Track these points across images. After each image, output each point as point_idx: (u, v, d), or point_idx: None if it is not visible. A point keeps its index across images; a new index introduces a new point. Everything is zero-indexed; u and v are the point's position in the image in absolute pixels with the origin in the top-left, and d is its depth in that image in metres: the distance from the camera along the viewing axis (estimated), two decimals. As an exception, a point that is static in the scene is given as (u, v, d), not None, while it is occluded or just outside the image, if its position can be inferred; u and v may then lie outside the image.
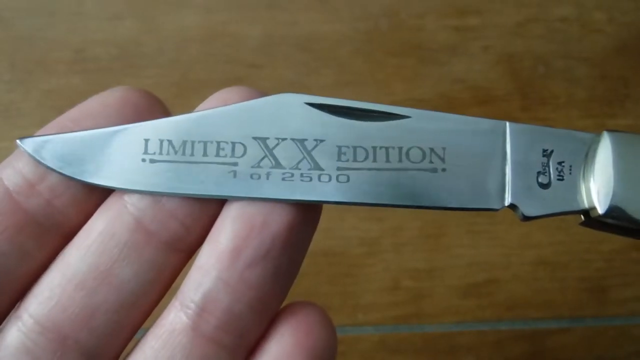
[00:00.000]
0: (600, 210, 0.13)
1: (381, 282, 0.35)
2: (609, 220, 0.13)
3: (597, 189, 0.13)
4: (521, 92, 0.37)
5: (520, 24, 0.38)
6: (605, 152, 0.13)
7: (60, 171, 0.14)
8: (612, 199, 0.13)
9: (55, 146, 0.14)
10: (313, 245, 0.35)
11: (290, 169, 0.13)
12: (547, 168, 0.13)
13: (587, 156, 0.13)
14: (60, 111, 0.37)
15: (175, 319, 0.15)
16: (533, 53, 0.38)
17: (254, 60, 0.38)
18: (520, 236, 0.36)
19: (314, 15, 0.38)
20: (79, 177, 0.14)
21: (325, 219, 0.35)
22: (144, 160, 0.14)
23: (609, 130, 0.13)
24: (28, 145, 0.14)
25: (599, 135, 0.14)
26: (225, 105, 0.15)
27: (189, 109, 0.38)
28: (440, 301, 0.35)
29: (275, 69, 0.38)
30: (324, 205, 0.15)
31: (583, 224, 0.14)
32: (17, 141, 0.14)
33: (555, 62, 0.38)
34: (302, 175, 0.14)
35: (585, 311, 0.35)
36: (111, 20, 0.39)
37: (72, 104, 0.37)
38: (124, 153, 0.14)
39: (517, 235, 0.36)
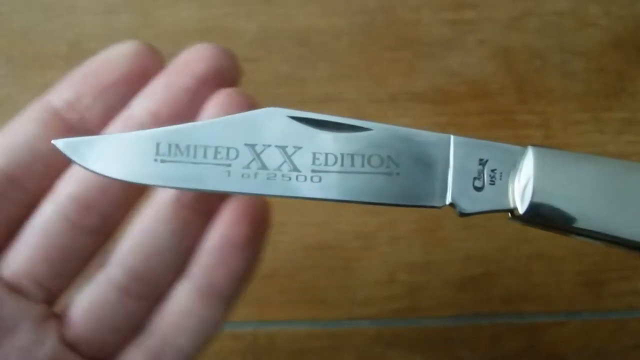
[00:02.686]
0: (521, 210, 0.16)
1: (377, 276, 0.35)
2: (528, 219, 0.16)
3: (520, 193, 0.16)
4: (517, 86, 0.37)
5: (515, 18, 0.38)
6: (528, 163, 0.16)
7: (87, 167, 0.17)
8: (530, 202, 0.16)
9: (86, 147, 0.17)
10: (309, 239, 0.35)
11: (274, 170, 0.17)
12: (481, 174, 0.17)
13: (515, 166, 0.17)
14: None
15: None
16: (529, 47, 0.38)
17: (250, 54, 0.38)
18: (517, 230, 0.35)
19: (310, 9, 0.38)
20: (104, 173, 0.17)
21: (321, 213, 0.35)
22: (155, 160, 0.17)
23: (533, 145, 0.17)
24: (61, 144, 0.17)
25: (526, 148, 0.17)
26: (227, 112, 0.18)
27: (184, 102, 0.38)
28: (437, 295, 0.35)
29: (271, 63, 0.38)
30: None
31: (511, 219, 0.17)
32: (53, 142, 0.17)
33: (551, 55, 0.38)
34: (283, 175, 0.17)
35: (582, 305, 0.35)
36: (107, 14, 0.39)
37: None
38: (140, 154, 0.17)
39: (513, 229, 0.35)
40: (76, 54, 0.38)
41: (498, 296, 0.35)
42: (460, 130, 0.37)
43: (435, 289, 0.35)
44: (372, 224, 0.36)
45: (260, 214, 0.20)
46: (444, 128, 0.37)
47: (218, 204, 0.20)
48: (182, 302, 0.20)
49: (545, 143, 0.37)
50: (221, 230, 0.19)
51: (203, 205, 0.19)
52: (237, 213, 0.19)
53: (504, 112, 0.37)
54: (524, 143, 0.36)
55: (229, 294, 0.20)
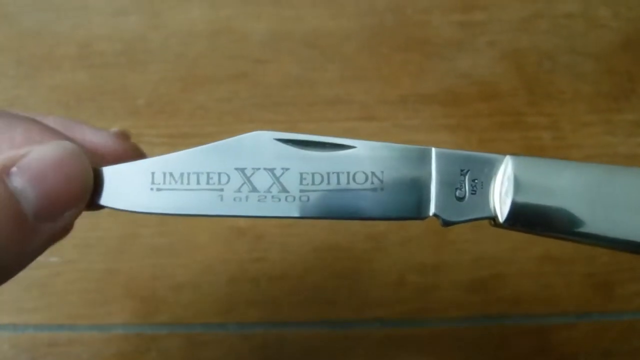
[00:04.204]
0: (501, 218, 0.17)
1: (387, 278, 0.35)
2: (509, 226, 0.17)
3: (500, 201, 0.17)
4: (527, 87, 0.37)
5: (525, 20, 0.38)
6: (507, 172, 0.17)
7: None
8: (510, 210, 0.17)
9: None
10: (319, 240, 0.35)
11: (264, 192, 0.17)
12: (463, 184, 0.17)
13: (495, 174, 0.17)
14: (66, 106, 0.38)
15: None
16: (539, 48, 0.38)
17: (260, 56, 0.38)
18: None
19: (320, 11, 0.38)
20: (101, 203, 0.18)
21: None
22: (152, 189, 0.17)
23: (512, 154, 0.17)
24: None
25: (505, 157, 0.17)
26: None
27: (194, 103, 0.38)
28: (446, 296, 0.35)
29: (280, 65, 0.38)
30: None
31: (493, 226, 0.18)
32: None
33: (561, 57, 0.38)
34: (272, 196, 0.17)
35: (591, 306, 0.35)
36: (116, 16, 0.39)
37: (77, 99, 0.38)
38: (136, 183, 0.17)
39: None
40: (86, 55, 0.38)
41: (507, 298, 0.35)
42: (469, 131, 0.37)
43: (445, 291, 0.35)
44: (382, 225, 0.36)
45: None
46: (454, 129, 0.37)
47: None
48: None
49: (554, 145, 0.38)
50: None
51: None
52: None
53: (513, 114, 0.37)
54: (532, 145, 0.37)
55: None
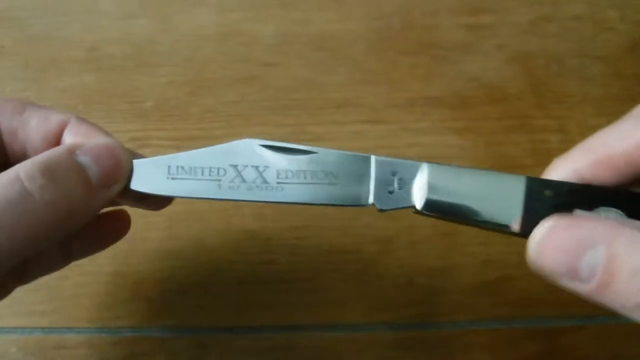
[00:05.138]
0: (419, 207, 0.23)
1: (396, 280, 0.35)
2: (425, 212, 0.23)
3: (418, 195, 0.23)
4: (535, 91, 0.37)
5: (533, 23, 0.38)
6: (424, 175, 0.23)
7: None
8: (425, 201, 0.23)
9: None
10: (328, 244, 0.35)
11: (250, 183, 0.23)
12: (393, 183, 0.23)
13: (416, 176, 0.23)
14: (74, 109, 0.38)
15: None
16: (547, 51, 0.38)
17: (268, 59, 0.38)
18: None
19: (328, 14, 0.38)
20: (132, 187, 0.24)
21: (340, 217, 0.35)
22: (168, 178, 0.23)
23: (428, 162, 0.23)
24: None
25: (422, 164, 0.23)
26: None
27: (203, 106, 0.38)
28: (455, 299, 0.35)
29: (289, 68, 0.38)
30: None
31: (414, 213, 0.23)
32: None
33: (569, 60, 0.38)
34: (257, 186, 0.23)
35: (599, 309, 0.35)
36: (125, 19, 0.39)
37: (85, 101, 0.38)
38: (157, 173, 0.23)
39: (531, 233, 0.36)
40: (94, 58, 0.38)
41: (516, 300, 0.35)
42: (477, 134, 0.37)
43: (454, 294, 0.35)
44: (391, 228, 0.36)
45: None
46: (462, 132, 0.37)
47: None
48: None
49: (562, 148, 0.37)
50: None
51: None
52: None
53: (521, 117, 0.37)
54: (539, 148, 0.37)
55: None
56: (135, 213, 0.28)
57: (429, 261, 0.35)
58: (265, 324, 0.34)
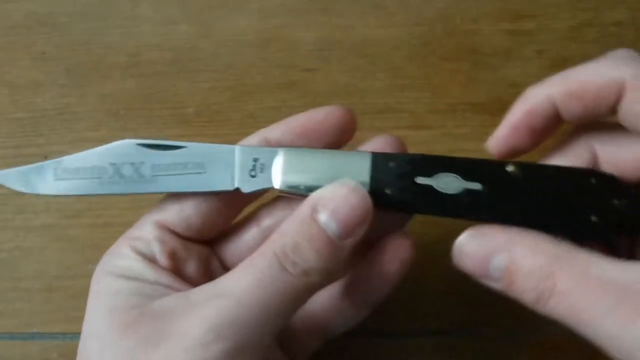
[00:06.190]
0: (277, 186, 0.25)
1: (437, 288, 0.35)
2: (283, 191, 0.25)
3: (277, 176, 0.25)
4: (576, 96, 0.37)
5: (574, 28, 0.38)
6: (281, 159, 0.25)
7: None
8: (282, 181, 0.25)
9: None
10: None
11: (127, 177, 0.25)
12: (255, 167, 0.25)
13: (274, 160, 0.25)
14: (115, 115, 0.38)
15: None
16: (587, 57, 0.37)
17: (309, 65, 0.38)
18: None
19: (369, 20, 0.38)
20: (21, 190, 0.26)
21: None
22: (55, 179, 0.25)
23: (283, 148, 0.25)
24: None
25: (279, 149, 0.25)
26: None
27: (244, 112, 0.38)
28: (497, 308, 0.34)
29: (329, 73, 0.38)
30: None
31: (279, 194, 0.26)
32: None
33: (611, 66, 0.37)
34: (133, 180, 0.25)
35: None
36: (166, 25, 0.39)
37: (127, 107, 0.38)
38: (43, 175, 0.26)
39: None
40: (135, 64, 0.39)
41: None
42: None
43: (496, 302, 0.35)
44: (431, 234, 0.35)
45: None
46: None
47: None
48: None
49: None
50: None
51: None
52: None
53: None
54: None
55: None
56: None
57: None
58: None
